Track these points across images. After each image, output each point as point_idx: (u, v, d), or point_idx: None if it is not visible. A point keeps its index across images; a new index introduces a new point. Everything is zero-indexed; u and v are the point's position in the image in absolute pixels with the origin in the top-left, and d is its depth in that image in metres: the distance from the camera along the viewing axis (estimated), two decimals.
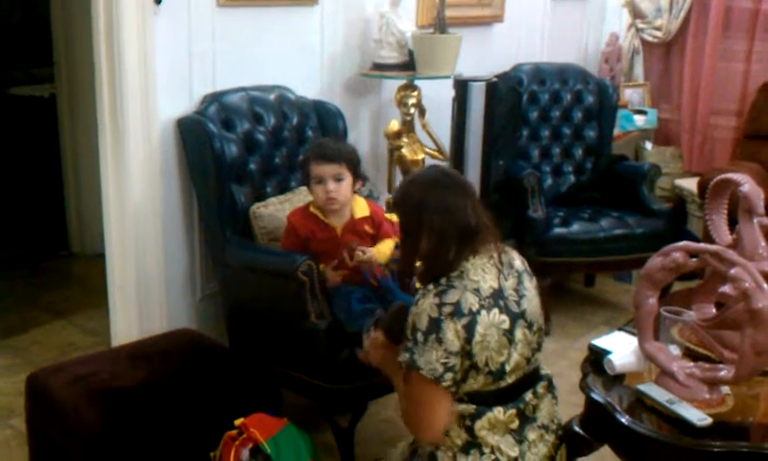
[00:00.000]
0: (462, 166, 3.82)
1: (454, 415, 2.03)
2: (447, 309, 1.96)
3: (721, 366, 2.12)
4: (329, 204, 2.92)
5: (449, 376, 1.97)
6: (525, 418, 2.10)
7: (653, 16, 5.37)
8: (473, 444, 2.04)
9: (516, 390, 2.08)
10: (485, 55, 4.63)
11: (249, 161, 3.26)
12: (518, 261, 2.17)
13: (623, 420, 2.08)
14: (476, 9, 4.61)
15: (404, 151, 3.96)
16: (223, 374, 2.87)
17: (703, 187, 4.32)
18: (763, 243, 2.45)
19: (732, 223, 2.56)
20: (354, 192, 3.01)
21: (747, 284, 1.94)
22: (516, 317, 2.05)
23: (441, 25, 3.87)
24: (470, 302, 1.97)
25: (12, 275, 4.65)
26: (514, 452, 2.05)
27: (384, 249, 2.97)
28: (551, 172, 4.69)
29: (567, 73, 4.82)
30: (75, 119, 4.80)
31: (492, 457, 2.03)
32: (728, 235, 2.58)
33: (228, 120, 3.23)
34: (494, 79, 3.92)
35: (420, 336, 1.97)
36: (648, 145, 5.39)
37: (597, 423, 2.20)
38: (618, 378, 2.27)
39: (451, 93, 3.84)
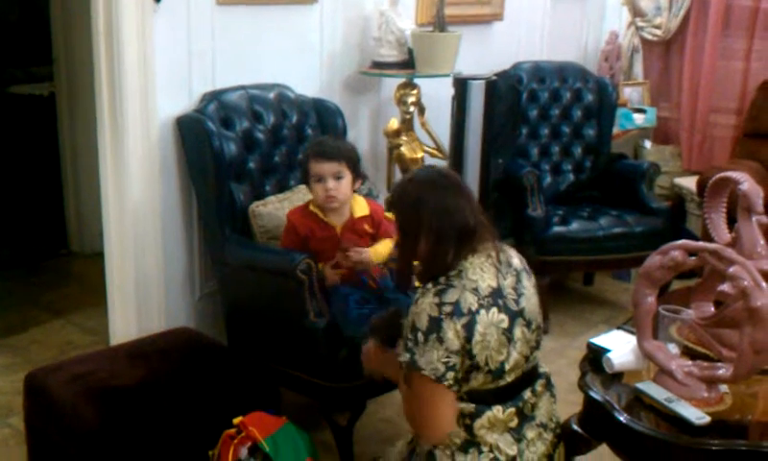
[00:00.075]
0: (461, 165, 3.82)
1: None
2: (447, 309, 1.96)
3: (720, 364, 2.12)
4: (329, 202, 2.92)
5: (451, 374, 1.97)
6: (524, 416, 2.10)
7: (652, 15, 5.37)
8: (472, 442, 2.04)
9: (515, 388, 2.08)
10: (484, 53, 4.63)
11: (248, 160, 3.26)
12: (516, 259, 2.17)
13: (622, 418, 2.08)
14: (476, 7, 4.61)
15: (403, 149, 3.96)
16: (221, 372, 2.87)
17: (702, 186, 4.32)
18: (762, 241, 2.45)
19: (731, 221, 2.55)
20: (354, 191, 3.00)
21: (746, 283, 1.94)
22: (514, 316, 2.05)
23: (440, 23, 3.86)
24: (470, 301, 1.97)
25: (11, 274, 4.65)
26: (512, 451, 2.05)
27: (381, 249, 2.96)
28: (550, 170, 4.70)
29: (567, 71, 4.82)
30: (74, 118, 4.80)
31: (491, 456, 2.03)
32: (727, 234, 2.58)
33: (227, 118, 3.23)
34: (494, 77, 3.91)
35: (420, 336, 1.97)
36: (647, 144, 5.39)
37: (596, 421, 2.20)
38: (617, 377, 2.27)
39: (451, 91, 3.84)
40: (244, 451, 2.53)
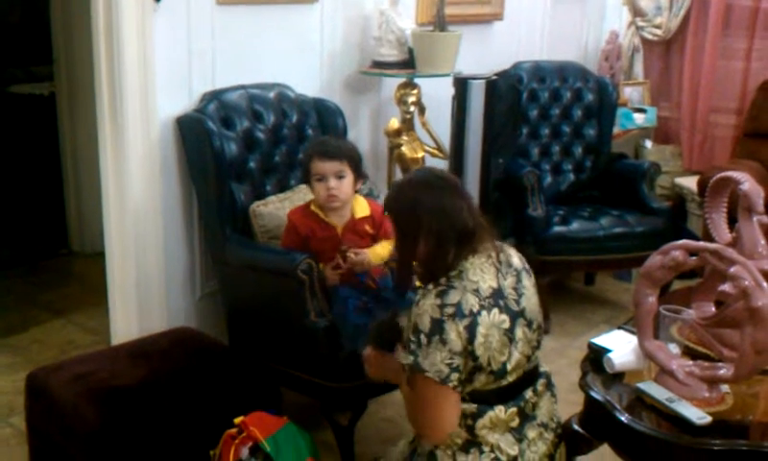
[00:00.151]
0: (462, 164, 3.82)
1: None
2: (449, 310, 1.96)
3: (720, 364, 2.12)
4: (330, 201, 2.92)
5: (455, 376, 1.97)
6: (525, 416, 2.10)
7: (653, 14, 5.37)
8: (473, 442, 2.04)
9: (517, 388, 2.09)
10: (485, 53, 4.63)
11: (248, 160, 3.26)
12: (516, 259, 2.17)
13: (622, 418, 2.08)
14: (476, 6, 4.61)
15: (404, 149, 3.96)
16: (222, 372, 2.87)
17: (702, 186, 4.32)
18: (763, 241, 2.45)
19: (732, 221, 2.55)
20: (355, 191, 3.00)
21: (746, 283, 1.94)
22: (515, 316, 2.05)
23: (440, 23, 3.86)
24: (471, 303, 1.97)
25: (11, 273, 4.66)
26: (513, 451, 2.05)
27: (380, 250, 2.95)
28: (551, 170, 4.69)
29: (567, 71, 4.81)
30: (75, 117, 4.80)
31: (492, 456, 2.04)
32: (727, 234, 2.57)
33: (227, 118, 3.23)
34: (494, 77, 3.91)
35: (423, 338, 1.97)
36: (648, 143, 5.39)
37: (597, 421, 2.20)
38: (618, 377, 2.27)
39: (451, 91, 3.84)
40: (245, 451, 2.53)
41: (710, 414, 2.04)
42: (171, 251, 3.34)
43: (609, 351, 2.31)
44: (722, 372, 2.09)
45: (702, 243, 2.15)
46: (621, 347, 2.31)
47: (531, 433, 2.10)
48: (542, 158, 4.70)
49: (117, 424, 2.55)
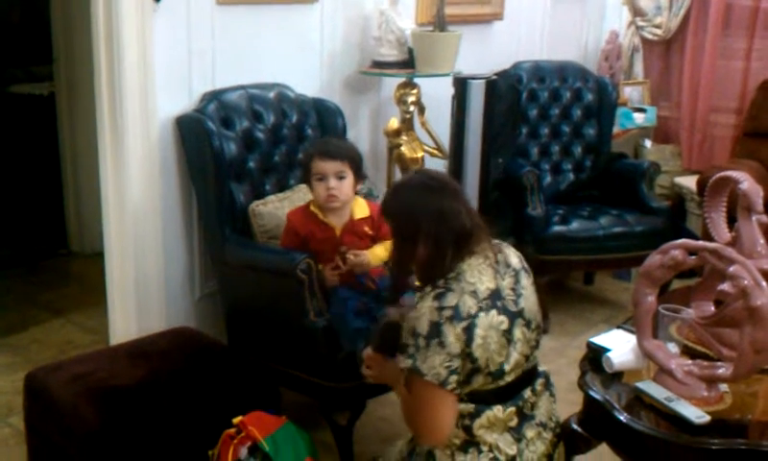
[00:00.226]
0: (461, 164, 3.82)
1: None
2: (447, 313, 1.95)
3: (719, 364, 2.12)
4: (330, 201, 2.91)
5: (454, 378, 1.97)
6: (524, 416, 2.10)
7: (653, 14, 5.37)
8: (471, 442, 2.04)
9: (515, 388, 2.08)
10: (484, 53, 4.63)
11: (248, 159, 3.26)
12: (515, 259, 2.17)
13: (621, 417, 2.08)
14: (476, 6, 4.61)
15: (404, 149, 3.96)
16: (221, 372, 2.87)
17: (702, 185, 4.32)
18: (762, 241, 2.45)
19: (732, 221, 2.55)
20: (355, 193, 3.00)
21: (746, 282, 1.94)
22: (514, 316, 2.05)
23: (440, 23, 3.86)
24: (469, 305, 1.97)
25: (11, 273, 4.66)
26: (512, 450, 2.05)
27: (379, 251, 2.95)
28: (550, 170, 4.69)
29: (567, 71, 4.82)
30: (74, 117, 4.80)
31: (491, 455, 2.03)
32: (727, 233, 2.58)
33: (227, 118, 3.23)
34: (494, 77, 3.91)
35: (421, 341, 1.96)
36: (647, 143, 5.39)
37: (595, 420, 2.20)
38: (617, 376, 2.27)
39: (451, 91, 3.84)
40: (244, 451, 2.53)
41: (709, 413, 2.05)
42: (170, 251, 3.34)
43: (608, 350, 2.31)
44: (721, 371, 2.10)
45: (701, 242, 2.15)
46: (620, 346, 2.32)
47: (529, 433, 2.10)
48: (542, 158, 4.70)
49: (116, 424, 2.55)
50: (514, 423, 2.08)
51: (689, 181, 4.97)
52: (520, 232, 4.14)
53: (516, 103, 4.59)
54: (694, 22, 5.28)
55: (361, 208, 3.02)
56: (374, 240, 3.00)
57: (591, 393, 2.21)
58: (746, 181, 2.44)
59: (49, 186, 5.08)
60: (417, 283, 2.19)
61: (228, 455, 2.52)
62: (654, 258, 2.17)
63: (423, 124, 4.09)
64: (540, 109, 4.72)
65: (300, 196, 3.24)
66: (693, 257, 2.14)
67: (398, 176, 3.95)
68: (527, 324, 2.09)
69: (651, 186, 4.50)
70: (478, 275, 2.03)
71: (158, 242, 3.26)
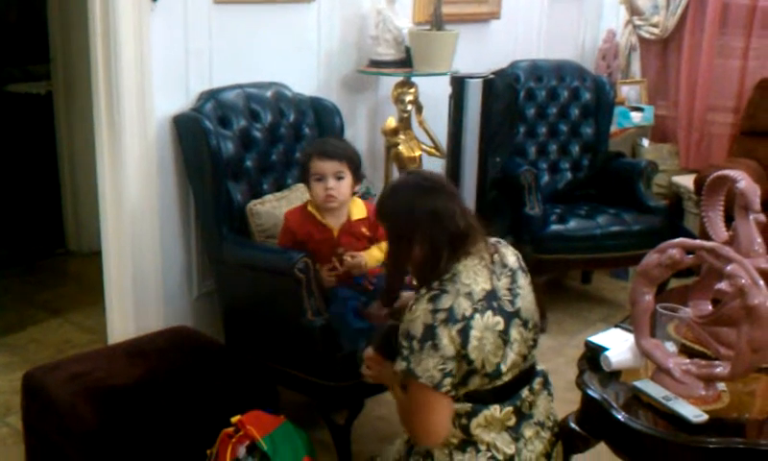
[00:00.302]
0: (459, 163, 3.82)
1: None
2: (441, 316, 1.95)
3: (717, 363, 2.12)
4: (328, 201, 2.91)
5: (448, 381, 1.97)
6: (522, 415, 2.10)
7: (650, 13, 5.37)
8: (469, 442, 2.04)
9: (513, 387, 2.08)
10: (482, 52, 4.63)
11: (245, 158, 3.26)
12: (512, 258, 2.16)
13: (619, 416, 2.08)
14: (473, 5, 4.61)
15: (401, 148, 3.96)
16: (219, 371, 2.87)
17: (699, 184, 4.32)
18: (759, 240, 2.45)
19: (729, 220, 2.56)
20: (353, 193, 3.00)
21: (743, 281, 1.94)
22: (510, 317, 2.05)
23: (437, 22, 3.86)
24: (464, 307, 1.97)
25: (8, 273, 4.65)
26: (510, 450, 2.05)
27: (376, 252, 2.94)
28: (548, 169, 4.70)
29: (564, 70, 4.82)
30: (71, 116, 4.80)
31: (489, 455, 2.04)
32: (724, 232, 2.58)
33: (224, 117, 3.23)
34: (491, 76, 3.91)
35: (415, 344, 1.96)
36: (645, 142, 5.39)
37: (593, 419, 2.20)
38: (614, 375, 2.27)
39: (448, 90, 3.84)
40: (242, 450, 2.53)
41: (707, 412, 2.05)
42: (168, 250, 3.34)
43: (605, 349, 2.31)
44: (718, 370, 2.10)
45: (699, 241, 2.15)
46: (618, 345, 2.32)
47: (528, 432, 2.10)
48: (539, 157, 4.70)
49: (114, 424, 2.55)
50: (512, 422, 2.08)
51: (687, 180, 4.97)
52: (518, 232, 4.14)
53: (513, 102, 4.59)
54: (691, 21, 5.28)
55: (359, 209, 3.01)
56: (372, 241, 3.00)
57: (589, 392, 2.21)
58: (743, 180, 2.44)
59: (46, 185, 5.07)
60: (414, 282, 2.19)
61: (227, 454, 2.52)
62: (651, 257, 2.17)
63: (421, 123, 4.09)
64: (538, 108, 4.73)
65: (297, 195, 3.24)
66: (691, 256, 2.14)
67: (396, 175, 3.95)
68: (524, 323, 2.09)
69: (648, 185, 4.50)
70: (473, 276, 2.03)
71: (156, 241, 3.26)
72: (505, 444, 2.05)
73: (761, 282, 1.94)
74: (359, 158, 3.01)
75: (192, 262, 3.47)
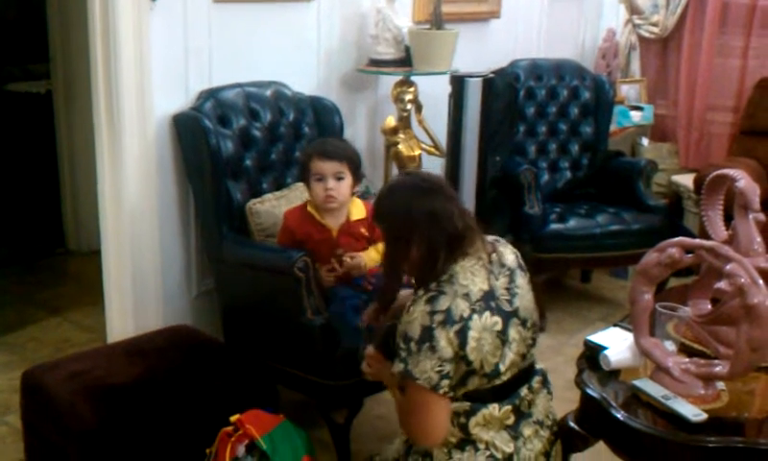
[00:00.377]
0: (458, 162, 3.82)
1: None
2: (439, 317, 1.95)
3: (716, 362, 2.12)
4: (328, 201, 2.91)
5: (446, 382, 1.97)
6: (521, 413, 2.10)
7: (650, 12, 5.37)
8: (468, 440, 2.04)
9: (512, 386, 2.08)
10: (482, 51, 4.63)
11: (245, 157, 3.26)
12: (510, 257, 2.16)
13: (618, 415, 2.08)
14: (473, 4, 4.61)
15: (401, 147, 3.96)
16: (219, 370, 2.87)
17: (699, 183, 4.32)
18: (759, 239, 2.45)
19: (728, 219, 2.56)
20: (352, 194, 3.00)
21: (742, 280, 1.94)
22: (508, 316, 2.05)
23: (437, 21, 3.86)
24: (461, 308, 1.96)
25: (8, 272, 4.65)
26: (509, 448, 2.05)
27: (375, 253, 2.94)
28: (548, 168, 4.70)
29: (564, 69, 4.81)
30: (71, 115, 4.80)
31: (488, 453, 2.04)
32: (723, 231, 2.58)
33: (223, 116, 3.23)
34: (491, 75, 3.92)
35: (413, 346, 1.96)
36: (644, 141, 5.40)
37: (592, 418, 2.20)
38: (614, 374, 2.28)
39: (448, 89, 3.84)
40: (241, 449, 2.53)
41: (706, 411, 2.05)
42: (167, 249, 3.34)
43: (605, 348, 2.31)
44: (718, 369, 2.10)
45: (698, 240, 2.15)
46: (617, 344, 2.32)
47: (526, 431, 2.10)
48: (539, 156, 4.70)
49: (113, 423, 2.55)
50: (510, 421, 2.08)
51: (686, 180, 4.98)
52: (518, 231, 4.14)
53: (513, 101, 4.59)
54: (691, 20, 5.29)
55: (358, 210, 3.01)
56: (370, 241, 3.00)
57: (588, 391, 2.21)
58: (743, 179, 2.44)
59: (46, 185, 5.07)
60: (412, 281, 2.19)
61: (226, 453, 2.52)
62: (651, 256, 2.17)
63: (420, 122, 4.09)
64: (538, 107, 4.73)
65: (296, 194, 3.23)
66: (690, 256, 2.14)
67: (396, 174, 3.95)
68: (522, 323, 2.09)
69: (648, 184, 4.50)
70: (471, 276, 2.02)
71: (155, 240, 3.26)
72: (504, 442, 2.05)
73: (761, 281, 1.94)
74: (359, 159, 3.01)
75: (191, 261, 3.47)
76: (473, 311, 1.97)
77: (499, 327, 2.01)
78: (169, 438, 2.64)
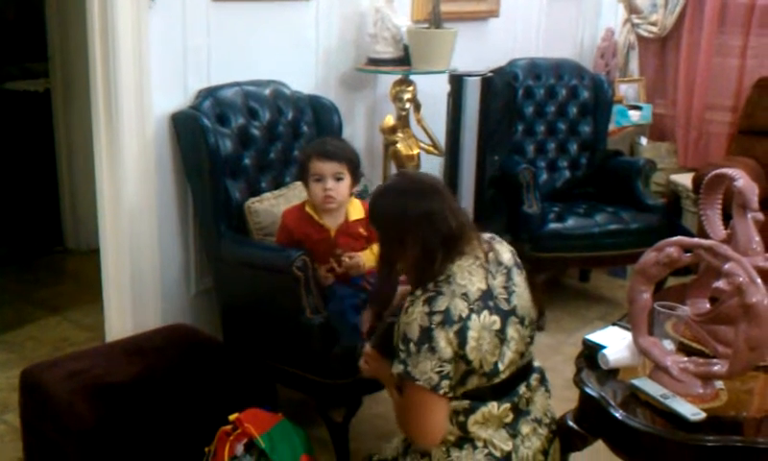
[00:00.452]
0: (457, 161, 3.82)
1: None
2: (437, 318, 1.94)
3: (715, 361, 2.12)
4: (327, 202, 2.91)
5: (446, 383, 1.97)
6: (519, 411, 2.10)
7: (648, 12, 5.38)
8: (466, 439, 2.04)
9: (511, 384, 2.09)
10: (480, 50, 4.63)
11: (243, 156, 3.26)
12: (507, 255, 2.16)
13: (617, 414, 2.09)
14: (472, 3, 4.61)
15: (399, 146, 3.96)
16: (217, 369, 2.87)
17: (697, 182, 4.32)
18: (757, 238, 2.45)
19: (727, 218, 2.56)
20: (351, 194, 3.00)
21: (741, 279, 1.94)
22: (506, 315, 2.05)
23: (436, 20, 3.86)
24: (460, 308, 1.96)
25: (6, 270, 4.65)
26: (507, 446, 2.05)
27: (373, 254, 2.94)
28: (546, 167, 4.70)
29: (563, 68, 4.82)
30: (70, 114, 4.79)
31: (486, 451, 2.04)
32: (722, 230, 2.58)
33: (222, 115, 3.23)
34: (490, 74, 3.92)
35: (412, 347, 1.96)
36: (643, 140, 5.40)
37: (591, 417, 2.20)
38: (612, 373, 2.28)
39: (446, 88, 3.84)
40: (240, 448, 2.53)
41: (704, 410, 2.05)
42: (166, 247, 3.34)
43: (603, 347, 2.31)
44: (716, 368, 2.10)
45: (696, 240, 2.16)
46: (616, 343, 2.32)
47: (525, 429, 2.11)
48: (538, 155, 4.70)
49: (112, 421, 2.55)
50: (509, 419, 2.08)
51: (685, 179, 4.98)
52: (516, 230, 4.14)
53: (511, 100, 4.59)
54: (690, 20, 5.29)
55: (356, 210, 3.01)
56: (369, 241, 2.99)
57: (587, 390, 2.21)
58: (741, 179, 2.44)
59: (44, 183, 5.07)
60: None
61: (224, 452, 2.52)
62: (649, 256, 2.17)
63: (419, 121, 4.09)
64: (536, 107, 4.73)
65: (295, 193, 3.23)
66: (688, 255, 2.14)
67: (394, 173, 3.95)
68: (520, 321, 2.09)
69: (646, 184, 4.50)
70: (468, 276, 2.02)
71: (154, 239, 3.26)
72: (502, 440, 2.06)
73: (759, 281, 1.94)
74: (358, 159, 3.01)
75: (190, 260, 3.47)
76: (472, 311, 1.97)
77: (498, 326, 2.01)
78: (168, 437, 2.64)
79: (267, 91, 3.42)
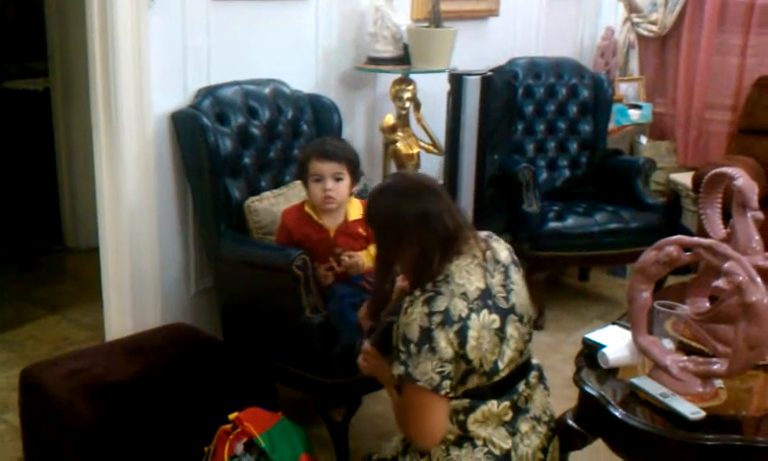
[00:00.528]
0: (457, 160, 3.82)
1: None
2: (437, 318, 1.94)
3: (714, 360, 2.12)
4: (326, 202, 2.91)
5: (447, 383, 1.96)
6: (518, 409, 2.10)
7: (648, 10, 5.38)
8: (465, 437, 2.04)
9: (510, 382, 2.08)
10: (480, 49, 4.63)
11: (243, 155, 3.26)
12: (504, 253, 2.16)
13: (617, 413, 2.09)
14: (471, 2, 4.61)
15: (399, 145, 3.96)
16: (217, 368, 2.87)
17: (697, 181, 4.32)
18: (757, 237, 2.45)
19: (727, 217, 2.56)
20: (350, 194, 3.00)
21: (741, 278, 1.94)
22: (506, 313, 2.05)
23: (436, 19, 3.86)
24: (459, 308, 1.96)
25: (6, 270, 4.65)
26: (506, 444, 2.05)
27: (370, 254, 2.94)
28: (546, 166, 4.70)
29: (563, 67, 4.82)
30: (69, 113, 4.79)
31: (485, 450, 2.04)
32: (722, 229, 2.58)
33: (222, 114, 3.23)
34: (490, 73, 3.91)
35: (412, 348, 1.95)
36: (643, 139, 5.40)
37: (591, 416, 2.20)
38: (612, 372, 2.28)
39: (446, 87, 3.84)
40: (239, 447, 2.53)
41: (704, 409, 2.05)
42: (166, 246, 3.34)
43: (603, 346, 2.31)
44: (716, 367, 2.10)
45: (696, 239, 2.16)
46: (615, 342, 2.32)
47: (524, 427, 2.11)
48: (538, 154, 4.70)
49: (112, 420, 2.55)
50: (508, 417, 2.08)
51: (685, 178, 4.98)
52: (516, 229, 4.14)
53: (511, 99, 4.59)
54: (690, 19, 5.29)
55: (355, 210, 3.00)
56: (368, 241, 2.99)
57: (587, 389, 2.21)
58: (741, 178, 2.44)
59: (44, 182, 5.08)
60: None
61: (224, 451, 2.52)
62: (649, 255, 2.17)
63: (419, 120, 4.09)
64: (536, 106, 4.73)
65: (295, 192, 3.23)
66: (688, 254, 2.14)
67: (391, 173, 3.95)
68: (519, 319, 2.09)
69: (646, 183, 4.50)
70: (467, 275, 2.02)
71: (154, 238, 3.26)
72: (501, 439, 2.06)
73: (758, 279, 1.95)
74: (358, 159, 3.01)
75: (190, 259, 3.47)
76: (471, 310, 1.97)
77: (497, 324, 2.01)
78: (167, 436, 2.64)
79: (267, 90, 3.42)
